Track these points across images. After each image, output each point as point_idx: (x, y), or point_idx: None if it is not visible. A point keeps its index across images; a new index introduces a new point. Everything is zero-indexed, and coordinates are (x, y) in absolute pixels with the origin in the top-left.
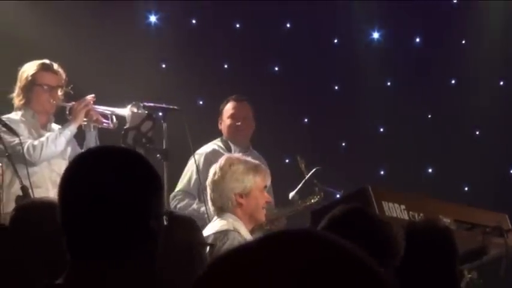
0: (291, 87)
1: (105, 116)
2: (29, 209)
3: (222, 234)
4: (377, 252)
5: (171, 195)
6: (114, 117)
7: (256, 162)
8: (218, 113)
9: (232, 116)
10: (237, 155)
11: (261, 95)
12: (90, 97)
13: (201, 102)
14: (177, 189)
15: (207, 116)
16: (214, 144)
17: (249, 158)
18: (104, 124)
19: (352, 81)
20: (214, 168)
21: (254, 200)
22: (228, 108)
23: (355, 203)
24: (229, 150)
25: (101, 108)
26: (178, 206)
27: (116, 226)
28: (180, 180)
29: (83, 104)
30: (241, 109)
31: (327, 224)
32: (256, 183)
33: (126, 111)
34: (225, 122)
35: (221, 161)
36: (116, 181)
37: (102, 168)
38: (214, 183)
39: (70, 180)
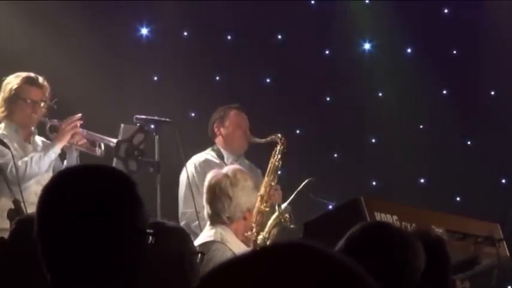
0: (283, 98)
1: (92, 142)
2: (30, 222)
3: (206, 245)
4: (395, 277)
5: (180, 215)
6: (102, 144)
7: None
8: (214, 119)
9: (239, 126)
10: (238, 167)
11: (252, 107)
12: (77, 117)
13: (192, 115)
14: (183, 209)
15: (199, 128)
16: (206, 154)
17: (242, 168)
18: (89, 151)
19: (343, 92)
20: (222, 177)
21: (252, 217)
22: (235, 117)
23: (347, 214)
24: (221, 158)
25: (90, 133)
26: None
27: (97, 245)
28: (180, 197)
29: (71, 125)
30: (245, 119)
31: (344, 246)
32: (255, 202)
33: (114, 141)
34: (228, 130)
35: (233, 172)
36: (96, 199)
37: (81, 187)
38: (226, 193)
39: (48, 199)
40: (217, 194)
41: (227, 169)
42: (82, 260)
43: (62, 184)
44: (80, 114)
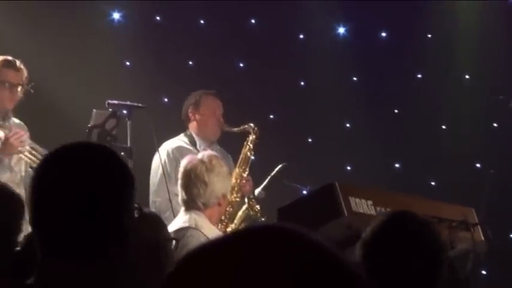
0: (257, 83)
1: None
2: None
3: (181, 231)
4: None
5: (150, 204)
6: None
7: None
8: (189, 104)
9: (214, 112)
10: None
11: (227, 91)
12: (25, 134)
13: (166, 100)
14: (153, 198)
15: (172, 114)
16: (179, 140)
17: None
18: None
19: (318, 76)
20: (198, 163)
21: (226, 203)
22: (211, 103)
23: (322, 199)
24: (194, 145)
25: (35, 147)
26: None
27: (90, 222)
28: (152, 185)
29: (18, 140)
30: (220, 106)
31: (370, 237)
32: (230, 187)
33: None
34: (203, 116)
35: (209, 157)
36: (90, 177)
37: (76, 164)
38: (202, 178)
39: (42, 177)
40: (193, 180)
41: (202, 155)
42: (76, 237)
43: (57, 163)
44: (27, 133)
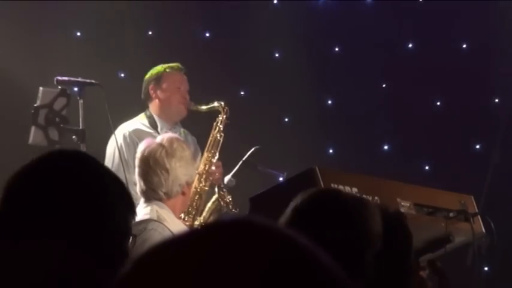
0: (226, 55)
1: None
2: None
3: (141, 224)
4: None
5: None
6: None
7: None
8: (149, 80)
9: (178, 89)
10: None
11: (191, 65)
12: None
13: (122, 75)
14: None
15: (130, 91)
16: (137, 122)
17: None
18: None
19: (296, 47)
20: (157, 147)
21: (191, 192)
22: (174, 78)
23: (300, 187)
24: (154, 127)
25: None
26: None
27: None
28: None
29: None
30: (185, 81)
31: (291, 217)
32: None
33: None
34: (165, 93)
35: (169, 140)
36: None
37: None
38: (162, 165)
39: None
40: (152, 167)
41: (162, 138)
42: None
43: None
44: None
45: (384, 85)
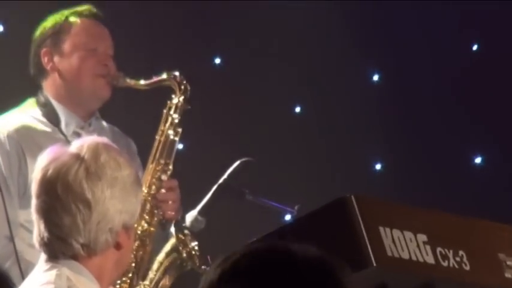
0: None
1: None
2: None
3: None
4: None
5: None
6: None
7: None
8: (41, 40)
9: (94, 51)
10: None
11: (120, 14)
12: None
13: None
14: None
15: (12, 59)
16: (24, 114)
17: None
18: None
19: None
20: (70, 162)
21: (132, 242)
22: (91, 32)
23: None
24: (54, 123)
25: None
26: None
27: None
28: None
29: None
30: (106, 38)
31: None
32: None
33: None
34: (70, 60)
35: (93, 149)
36: None
37: None
38: (80, 195)
39: None
40: (62, 198)
41: (79, 144)
42: None
43: None
44: None
45: (375, 78)
